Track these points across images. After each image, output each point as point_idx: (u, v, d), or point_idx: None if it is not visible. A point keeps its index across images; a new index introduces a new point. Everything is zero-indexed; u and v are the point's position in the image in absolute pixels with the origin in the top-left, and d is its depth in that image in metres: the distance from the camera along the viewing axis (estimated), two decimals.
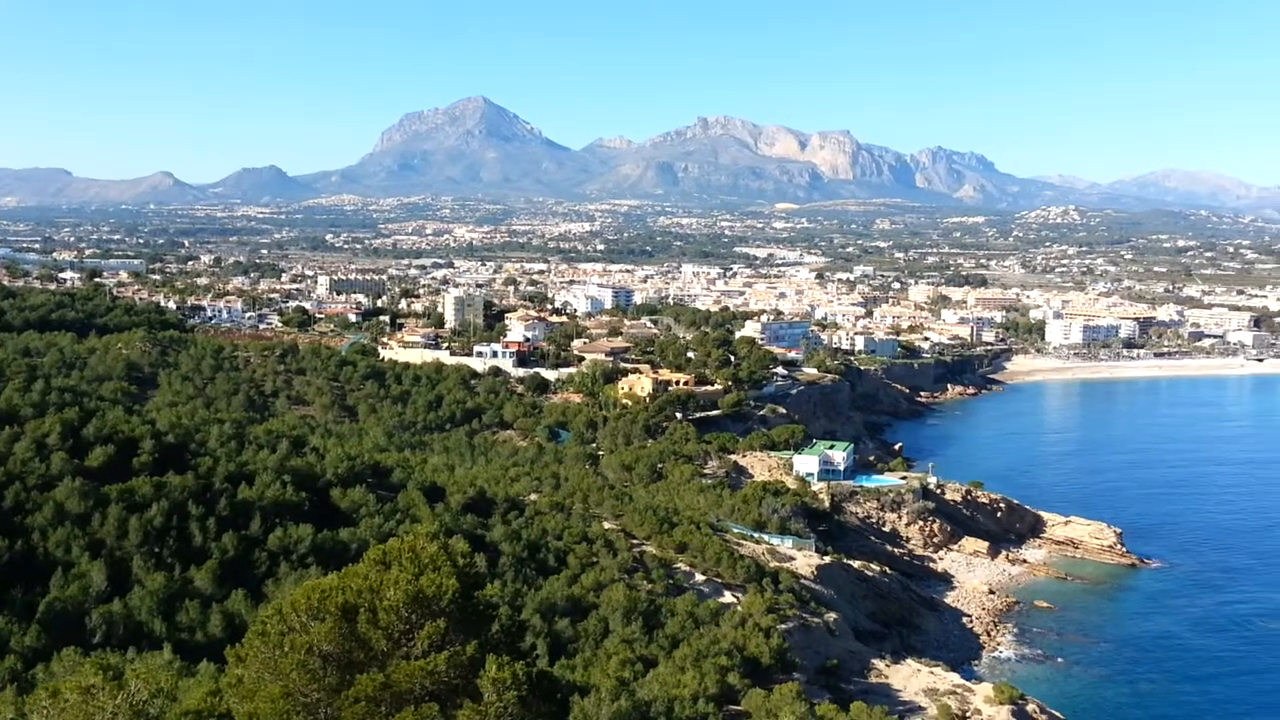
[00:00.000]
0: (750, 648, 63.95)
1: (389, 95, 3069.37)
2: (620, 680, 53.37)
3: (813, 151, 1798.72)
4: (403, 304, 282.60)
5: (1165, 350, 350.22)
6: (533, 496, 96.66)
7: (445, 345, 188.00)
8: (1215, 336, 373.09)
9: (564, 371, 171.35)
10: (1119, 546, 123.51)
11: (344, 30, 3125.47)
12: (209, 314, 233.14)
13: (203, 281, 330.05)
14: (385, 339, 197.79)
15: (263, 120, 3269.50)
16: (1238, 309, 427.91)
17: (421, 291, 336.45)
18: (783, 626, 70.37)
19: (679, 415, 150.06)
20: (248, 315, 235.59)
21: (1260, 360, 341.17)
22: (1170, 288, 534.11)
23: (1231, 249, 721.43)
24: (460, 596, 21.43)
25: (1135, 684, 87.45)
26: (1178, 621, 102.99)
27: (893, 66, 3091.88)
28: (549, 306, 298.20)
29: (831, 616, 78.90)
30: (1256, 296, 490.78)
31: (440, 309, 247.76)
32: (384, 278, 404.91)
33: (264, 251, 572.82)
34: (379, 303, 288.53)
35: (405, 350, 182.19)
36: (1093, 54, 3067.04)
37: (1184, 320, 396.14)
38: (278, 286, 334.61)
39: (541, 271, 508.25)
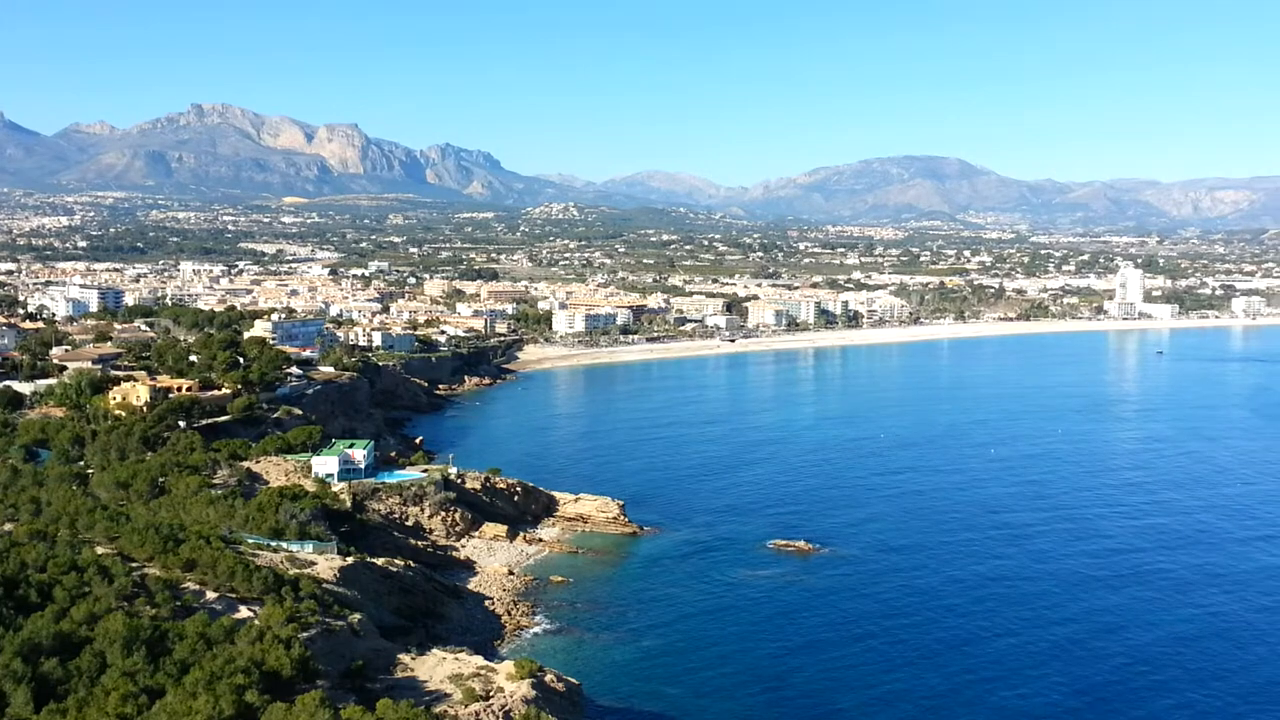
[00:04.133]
0: (270, 661, 61.34)
1: None
2: (121, 716, 48.92)
3: (320, 144, 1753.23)
4: None
5: (656, 335, 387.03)
6: (7, 526, 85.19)
7: None
8: (696, 321, 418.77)
9: (42, 383, 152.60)
10: (622, 517, 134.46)
11: None
12: None
13: None
14: None
15: None
16: (713, 296, 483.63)
17: None
18: (304, 635, 68.27)
19: (183, 424, 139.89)
20: None
21: (732, 341, 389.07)
22: (658, 278, 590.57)
23: (706, 242, 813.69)
24: None
25: (640, 641, 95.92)
26: (672, 579, 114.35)
27: (399, 61, 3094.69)
28: (21, 311, 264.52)
29: (356, 617, 77.91)
30: (728, 284, 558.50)
31: None
32: None
33: None
34: None
35: None
36: (578, 65, 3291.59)
37: (670, 307, 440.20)
38: None
39: (10, 272, 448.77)
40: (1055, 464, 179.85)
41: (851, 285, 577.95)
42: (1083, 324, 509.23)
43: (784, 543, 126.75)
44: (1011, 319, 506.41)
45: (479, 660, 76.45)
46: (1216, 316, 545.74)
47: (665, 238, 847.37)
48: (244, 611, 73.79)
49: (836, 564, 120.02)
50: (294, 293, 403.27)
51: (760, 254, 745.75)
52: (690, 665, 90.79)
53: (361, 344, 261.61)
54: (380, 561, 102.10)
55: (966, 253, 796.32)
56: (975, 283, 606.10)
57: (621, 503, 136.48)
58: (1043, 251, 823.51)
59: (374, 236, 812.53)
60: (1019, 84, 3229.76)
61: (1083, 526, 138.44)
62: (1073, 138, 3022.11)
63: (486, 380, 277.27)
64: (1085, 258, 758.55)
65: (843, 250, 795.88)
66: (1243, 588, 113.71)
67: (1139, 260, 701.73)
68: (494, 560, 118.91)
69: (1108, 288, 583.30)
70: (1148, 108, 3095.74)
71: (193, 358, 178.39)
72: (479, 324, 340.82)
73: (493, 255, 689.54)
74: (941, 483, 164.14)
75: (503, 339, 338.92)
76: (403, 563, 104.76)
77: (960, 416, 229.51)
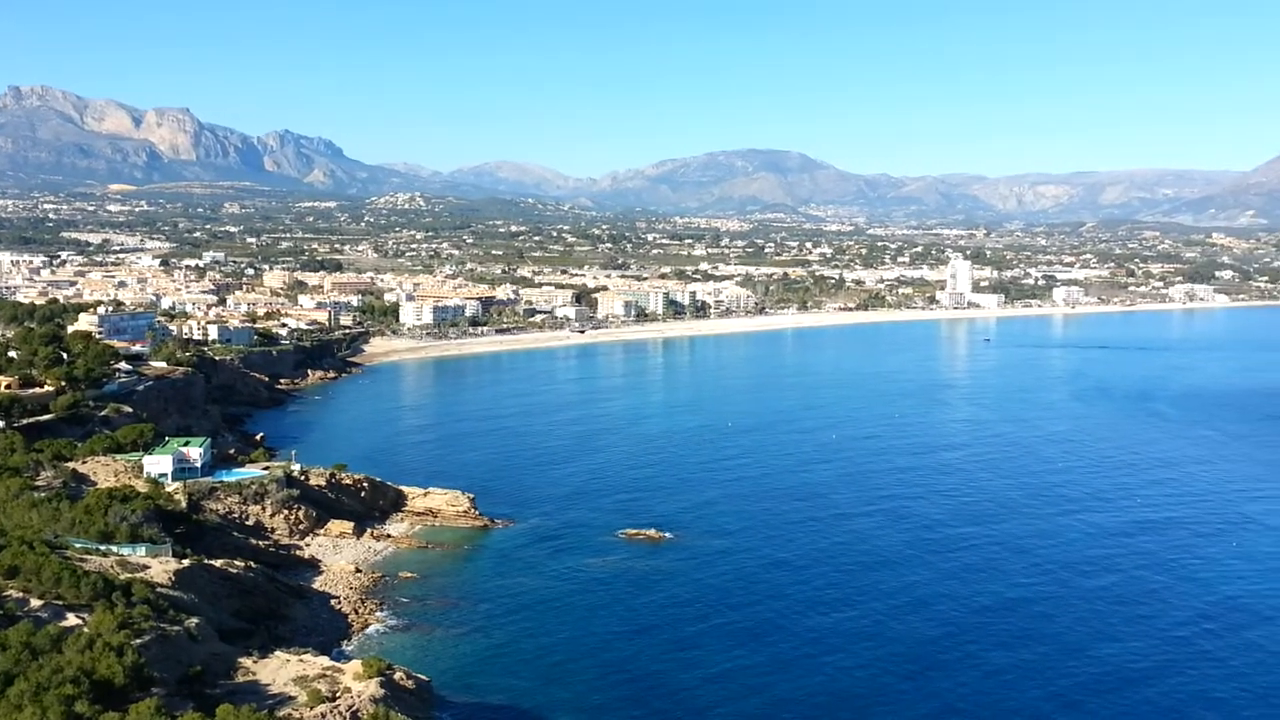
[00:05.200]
0: (101, 670, 59.36)
1: None
2: None
3: (149, 129, 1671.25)
4: None
5: (505, 326, 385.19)
6: None
7: None
8: (545, 312, 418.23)
9: None
10: (473, 510, 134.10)
11: None
12: None
13: None
14: None
15: None
16: (563, 287, 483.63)
17: None
18: (138, 641, 66.18)
19: (1, 423, 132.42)
20: None
21: (582, 332, 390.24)
22: (507, 269, 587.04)
23: (555, 233, 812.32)
24: None
25: (490, 634, 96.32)
26: (522, 571, 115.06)
27: (234, 43, 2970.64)
28: None
29: (193, 622, 75.81)
30: (577, 275, 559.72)
31: None
32: None
33: None
34: None
35: None
36: (422, 53, 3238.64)
37: (519, 299, 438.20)
38: None
39: None
40: (885, 447, 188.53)
41: (699, 276, 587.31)
42: (917, 313, 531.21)
43: (634, 531, 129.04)
44: (851, 309, 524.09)
45: (325, 661, 75.65)
46: (1039, 305, 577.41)
47: (514, 229, 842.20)
48: (72, 619, 71.02)
49: (680, 549, 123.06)
50: (122, 284, 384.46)
51: (609, 245, 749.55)
52: (538, 654, 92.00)
53: (196, 338, 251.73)
54: (219, 563, 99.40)
55: (809, 244, 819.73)
56: (817, 274, 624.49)
57: (472, 496, 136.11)
58: (879, 244, 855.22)
59: (209, 226, 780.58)
60: (854, 82, 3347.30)
61: (904, 506, 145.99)
62: (906, 134, 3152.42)
63: (331, 374, 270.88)
64: (919, 249, 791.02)
65: (690, 241, 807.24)
66: (1047, 560, 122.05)
67: (968, 252, 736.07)
68: (340, 558, 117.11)
69: (939, 278, 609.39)
70: (974, 107, 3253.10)
71: (12, 353, 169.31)
72: (323, 316, 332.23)
73: (336, 246, 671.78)
74: (780, 467, 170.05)
75: (348, 331, 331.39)
76: (243, 564, 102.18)
77: (801, 403, 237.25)
